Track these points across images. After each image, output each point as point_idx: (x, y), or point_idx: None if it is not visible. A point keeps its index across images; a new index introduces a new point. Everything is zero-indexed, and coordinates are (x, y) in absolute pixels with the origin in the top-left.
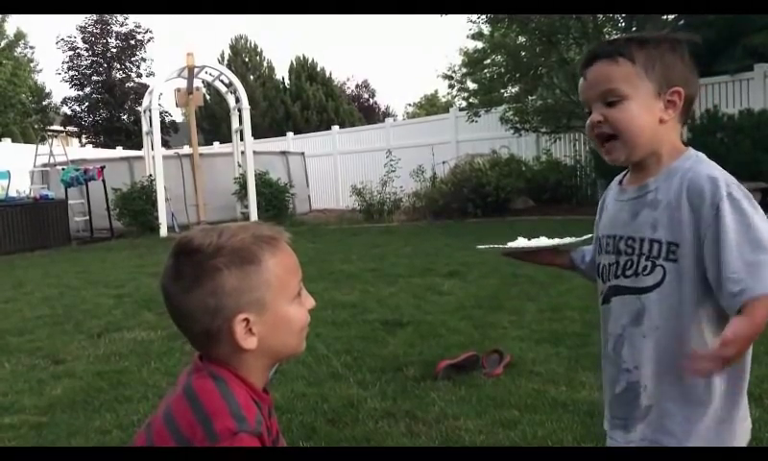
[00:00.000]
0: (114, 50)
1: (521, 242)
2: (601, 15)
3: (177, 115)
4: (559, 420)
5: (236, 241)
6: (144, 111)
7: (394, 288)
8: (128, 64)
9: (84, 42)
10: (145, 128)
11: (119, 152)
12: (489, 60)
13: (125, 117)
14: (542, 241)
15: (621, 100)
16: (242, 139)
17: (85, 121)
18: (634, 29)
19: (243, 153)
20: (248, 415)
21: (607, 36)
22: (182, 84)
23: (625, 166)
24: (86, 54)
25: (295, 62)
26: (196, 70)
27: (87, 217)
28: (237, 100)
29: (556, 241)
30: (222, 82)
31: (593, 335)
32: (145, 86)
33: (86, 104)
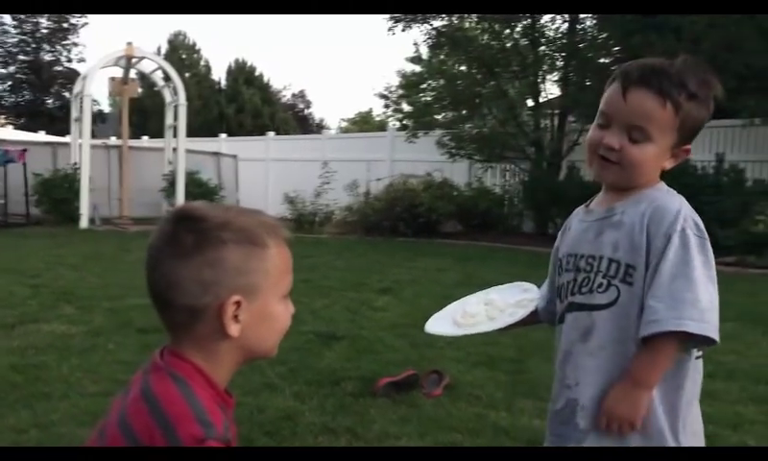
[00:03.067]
0: (45, 31)
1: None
2: (542, 49)
3: (104, 105)
4: (502, 446)
5: (243, 220)
6: (75, 97)
7: (327, 300)
8: (58, 47)
9: (13, 19)
10: (74, 114)
11: (42, 136)
12: (425, 85)
13: (50, 101)
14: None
15: (645, 141)
16: (175, 136)
17: (6, 101)
18: (573, 64)
19: (175, 150)
20: (214, 420)
21: (545, 70)
22: (117, 72)
23: (584, 199)
24: (14, 31)
25: (233, 64)
26: (134, 60)
27: (3, 201)
28: (174, 95)
29: (506, 320)
30: (160, 75)
31: (528, 362)
32: (74, 72)
33: (9, 83)
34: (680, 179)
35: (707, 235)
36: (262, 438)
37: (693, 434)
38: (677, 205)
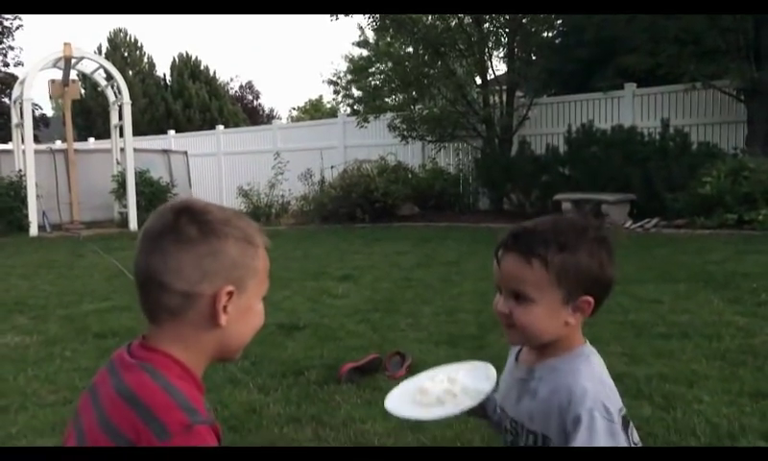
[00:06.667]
0: None
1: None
2: (486, 26)
3: (47, 108)
4: (466, 421)
5: (240, 220)
6: (15, 102)
7: (287, 292)
8: None
9: None
10: (15, 120)
11: None
12: (373, 69)
13: None
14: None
15: (528, 302)
16: (122, 136)
17: None
18: (517, 39)
19: (122, 150)
20: (197, 406)
21: (490, 47)
22: (57, 74)
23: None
24: None
25: (177, 59)
26: (74, 61)
27: None
28: (118, 94)
29: (465, 404)
30: (102, 75)
31: (488, 337)
32: (11, 76)
33: None
34: (627, 146)
35: (616, 418)
36: (227, 433)
37: None
38: (587, 383)
